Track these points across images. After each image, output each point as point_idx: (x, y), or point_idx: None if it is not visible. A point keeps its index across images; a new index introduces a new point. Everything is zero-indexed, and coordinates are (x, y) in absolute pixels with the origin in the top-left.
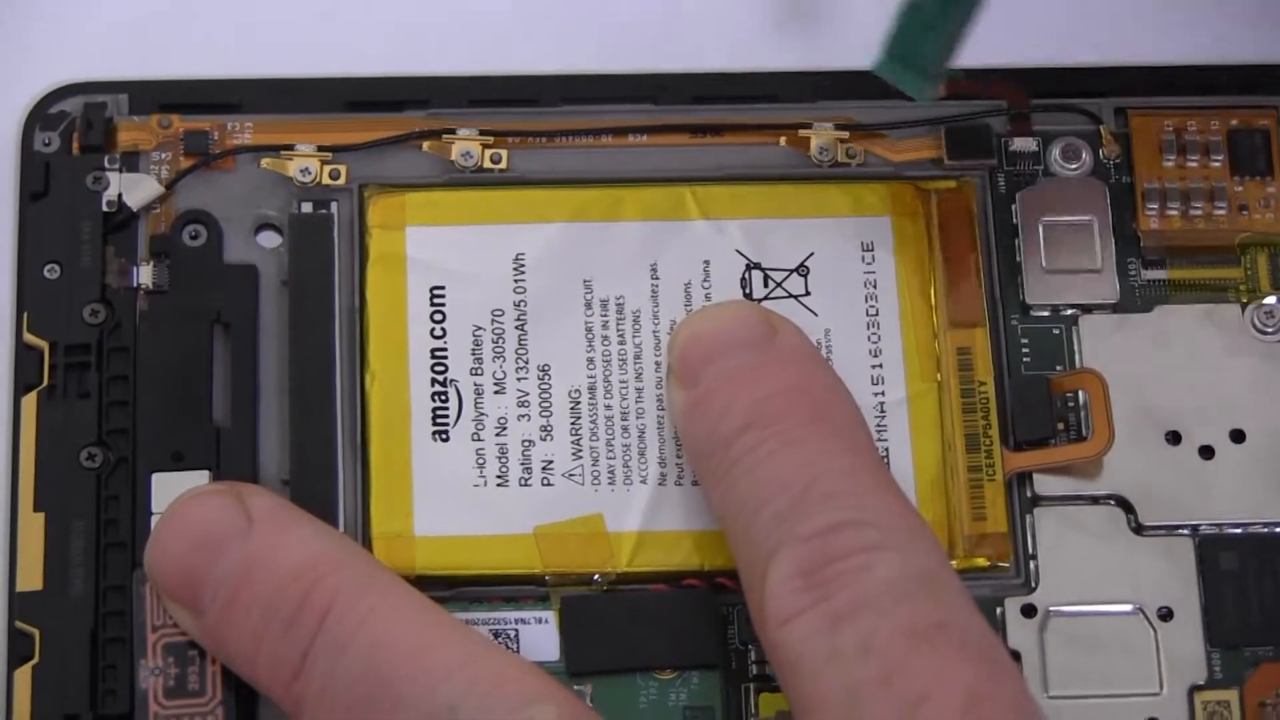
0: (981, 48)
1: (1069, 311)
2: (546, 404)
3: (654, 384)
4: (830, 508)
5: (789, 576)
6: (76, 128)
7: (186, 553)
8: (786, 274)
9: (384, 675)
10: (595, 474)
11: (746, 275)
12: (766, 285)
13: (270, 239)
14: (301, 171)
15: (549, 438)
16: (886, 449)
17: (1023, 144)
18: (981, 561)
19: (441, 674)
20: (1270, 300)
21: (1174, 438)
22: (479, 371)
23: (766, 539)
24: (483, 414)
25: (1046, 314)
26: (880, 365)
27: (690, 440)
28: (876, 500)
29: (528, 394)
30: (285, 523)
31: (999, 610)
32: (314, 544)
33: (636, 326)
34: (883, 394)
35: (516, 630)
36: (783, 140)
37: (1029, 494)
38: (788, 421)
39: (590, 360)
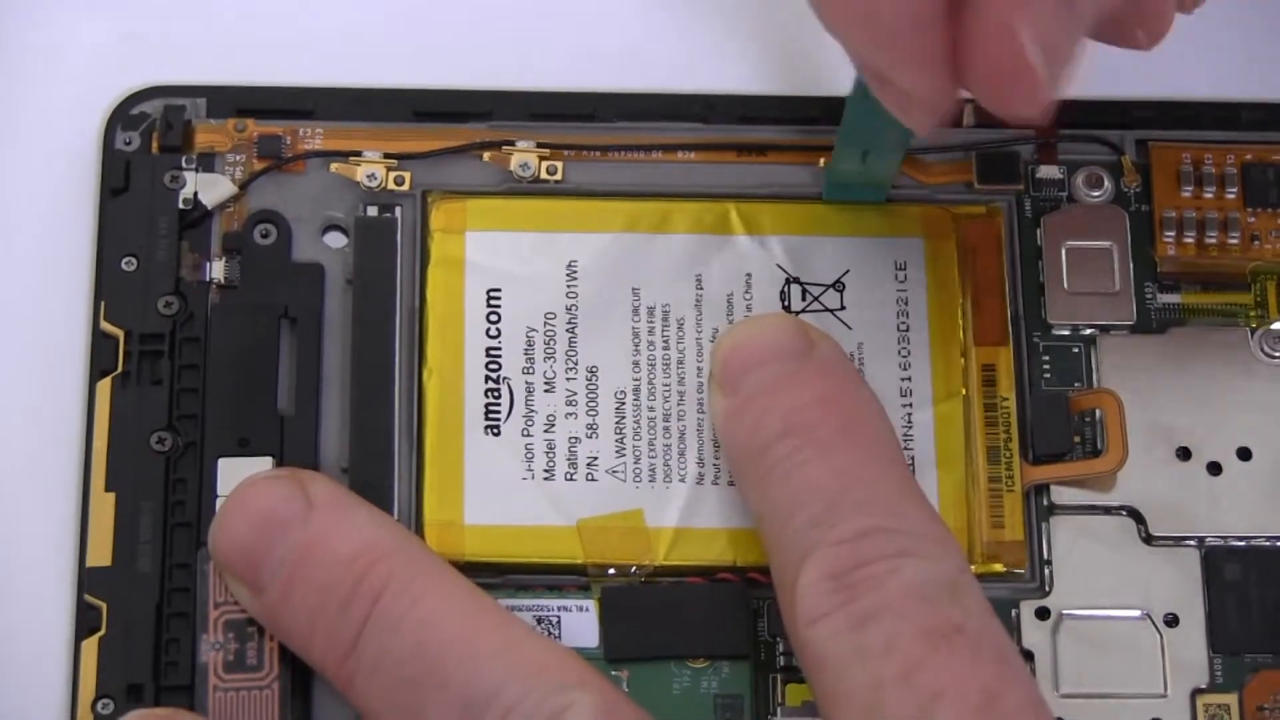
0: None
1: (1088, 331)
2: (593, 404)
3: (695, 388)
4: (860, 515)
5: (819, 579)
6: (156, 128)
7: (249, 534)
8: (823, 289)
9: (432, 656)
10: (637, 471)
11: (786, 289)
12: (804, 299)
13: (337, 240)
14: (368, 177)
15: (594, 436)
16: (912, 458)
17: (1048, 171)
18: (999, 567)
19: (486, 657)
20: (1278, 326)
21: (1184, 454)
22: (530, 371)
23: (799, 543)
24: (533, 411)
25: (1067, 333)
26: (909, 379)
27: (729, 445)
28: (904, 508)
29: (576, 394)
30: (343, 508)
31: (1014, 612)
32: (370, 530)
33: (680, 333)
34: (910, 406)
35: (559, 617)
36: (823, 161)
37: (1046, 503)
38: (822, 431)
39: (636, 364)
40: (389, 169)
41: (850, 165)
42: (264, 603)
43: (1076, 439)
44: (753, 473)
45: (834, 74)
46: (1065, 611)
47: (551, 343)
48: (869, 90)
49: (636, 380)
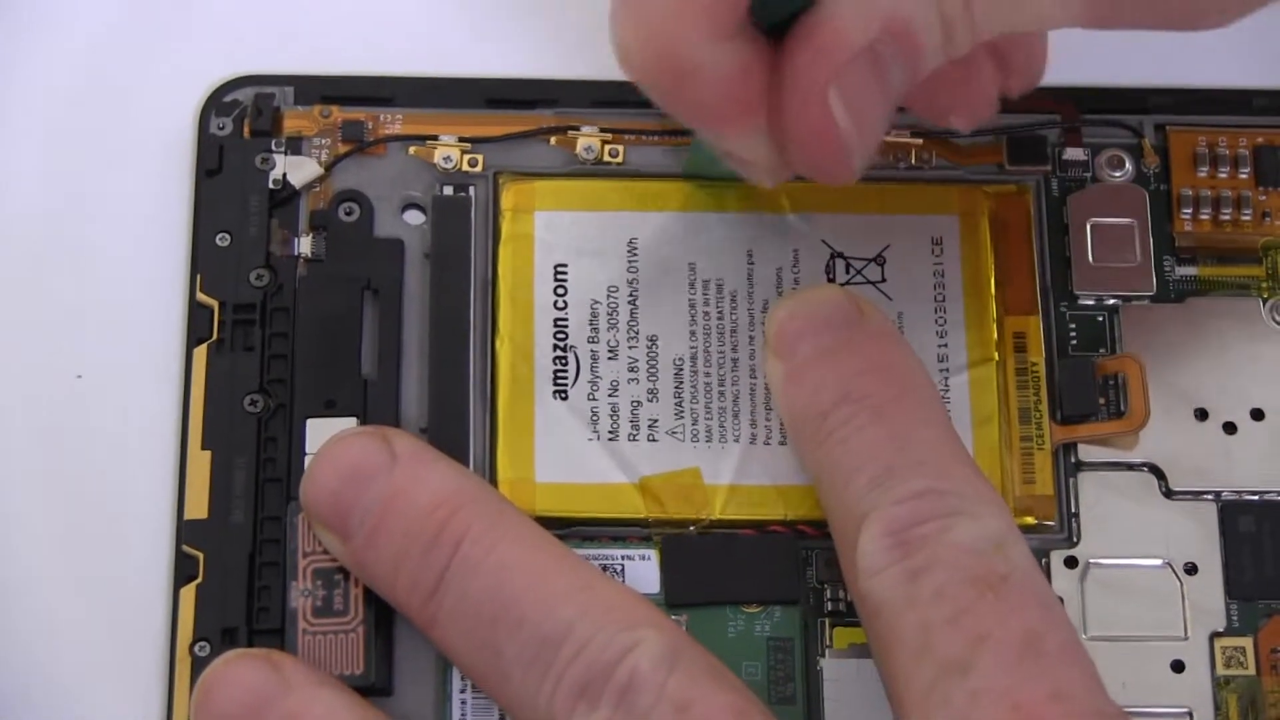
0: None
1: (1111, 301)
2: (653, 370)
3: (748, 355)
4: (916, 477)
5: (878, 536)
6: (247, 115)
7: (337, 485)
8: (865, 263)
9: (509, 596)
10: (694, 433)
11: (831, 263)
12: (848, 272)
13: (415, 217)
14: (444, 159)
15: (655, 399)
16: (950, 419)
17: (1074, 153)
18: (1030, 520)
19: (560, 598)
20: None
21: (1201, 414)
22: (595, 339)
23: (859, 502)
24: (597, 377)
25: (1092, 303)
26: (946, 345)
27: (786, 409)
28: (955, 470)
29: (637, 361)
30: (425, 461)
31: (1044, 561)
32: (451, 480)
33: (734, 305)
34: (947, 370)
35: (622, 566)
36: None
37: (1073, 460)
38: (877, 397)
39: (693, 333)
40: (463, 152)
41: (706, 160)
42: (351, 549)
43: (1101, 401)
44: (811, 436)
45: None
46: (1092, 560)
47: (614, 314)
48: None
49: (694, 348)
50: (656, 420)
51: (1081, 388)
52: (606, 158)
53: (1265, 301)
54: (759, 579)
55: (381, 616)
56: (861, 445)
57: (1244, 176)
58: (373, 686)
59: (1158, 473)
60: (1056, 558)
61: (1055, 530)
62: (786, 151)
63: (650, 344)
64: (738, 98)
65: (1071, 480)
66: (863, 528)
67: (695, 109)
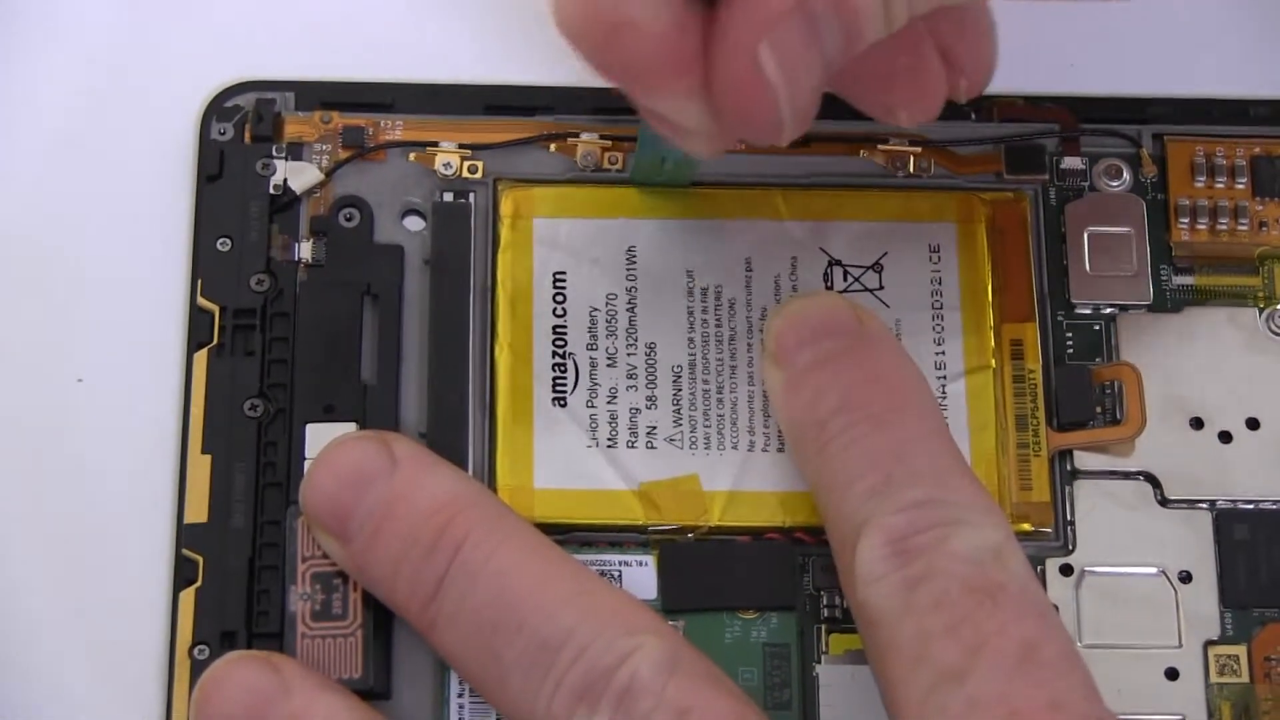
0: (1037, 78)
1: (1108, 310)
2: (652, 377)
3: (746, 363)
4: (915, 486)
5: (877, 545)
6: (249, 120)
7: (338, 489)
8: (863, 270)
9: (510, 601)
10: (693, 439)
11: (829, 270)
12: (845, 280)
13: (415, 223)
14: (444, 165)
15: (653, 407)
16: (947, 426)
17: (1071, 162)
18: (1027, 527)
19: (561, 602)
20: None
21: (1197, 423)
22: (594, 347)
23: (858, 511)
24: (596, 384)
25: (1089, 312)
26: (943, 352)
27: (786, 416)
28: (954, 480)
29: (636, 368)
30: (426, 465)
31: (1040, 569)
32: (451, 484)
33: (732, 312)
34: (945, 378)
35: (620, 571)
36: (863, 153)
37: (1069, 468)
38: (876, 406)
39: (691, 340)
40: (463, 158)
41: (651, 167)
42: (351, 552)
43: (1098, 409)
44: (811, 444)
45: None
46: (1087, 568)
47: (613, 321)
48: None
49: (692, 356)
50: (655, 427)
51: (1078, 395)
52: (606, 165)
53: (1261, 311)
54: (756, 585)
55: (380, 620)
56: (860, 454)
57: (1241, 186)
58: (371, 690)
59: (1153, 481)
60: (1052, 565)
61: (1051, 538)
62: (720, 113)
63: (649, 351)
64: (672, 56)
65: (1067, 488)
66: (861, 536)
67: (629, 69)
